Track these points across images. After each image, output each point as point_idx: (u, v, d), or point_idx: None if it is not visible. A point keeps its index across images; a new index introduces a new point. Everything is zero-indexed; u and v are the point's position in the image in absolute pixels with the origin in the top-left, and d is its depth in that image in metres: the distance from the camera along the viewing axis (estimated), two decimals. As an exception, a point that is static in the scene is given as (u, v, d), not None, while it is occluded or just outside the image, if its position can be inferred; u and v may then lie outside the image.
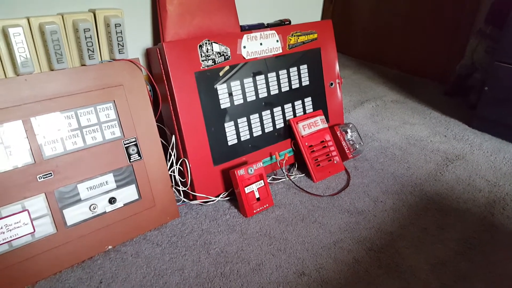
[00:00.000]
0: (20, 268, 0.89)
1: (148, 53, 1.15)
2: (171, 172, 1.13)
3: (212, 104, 1.16)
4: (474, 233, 1.09)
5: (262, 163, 1.19)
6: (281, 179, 1.32)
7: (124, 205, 1.02)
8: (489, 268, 0.97)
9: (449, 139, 1.62)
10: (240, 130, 1.23)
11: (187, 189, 1.16)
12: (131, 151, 1.02)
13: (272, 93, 1.30)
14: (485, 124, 1.67)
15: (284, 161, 1.30)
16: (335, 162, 1.37)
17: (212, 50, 1.14)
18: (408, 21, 2.40)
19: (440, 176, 1.36)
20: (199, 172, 1.15)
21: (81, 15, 0.94)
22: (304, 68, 1.37)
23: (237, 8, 1.26)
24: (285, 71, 1.32)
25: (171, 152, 1.14)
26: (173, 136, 1.14)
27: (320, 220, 1.12)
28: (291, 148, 1.37)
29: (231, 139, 1.21)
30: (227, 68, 1.18)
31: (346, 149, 1.40)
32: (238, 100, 1.21)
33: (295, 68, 1.34)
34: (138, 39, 1.16)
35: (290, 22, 1.40)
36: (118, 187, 1.01)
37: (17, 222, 0.87)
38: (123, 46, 1.00)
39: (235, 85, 1.20)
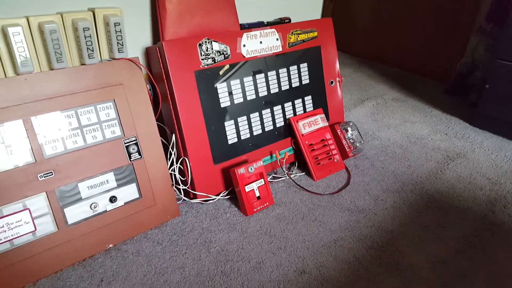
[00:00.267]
0: (21, 267, 0.89)
1: (147, 52, 1.15)
2: (172, 171, 1.13)
3: (212, 103, 1.16)
4: (475, 232, 1.09)
5: (262, 161, 1.19)
6: (281, 177, 1.32)
7: (125, 203, 1.03)
8: (490, 267, 0.97)
9: (450, 137, 1.62)
10: (240, 128, 1.23)
11: (187, 187, 1.16)
12: (131, 150, 1.02)
13: (272, 91, 1.30)
14: (486, 122, 1.67)
15: (284, 160, 1.30)
16: (335, 160, 1.37)
17: (212, 49, 1.14)
18: (408, 19, 2.39)
19: (441, 174, 1.35)
20: (199, 171, 1.15)
21: (81, 14, 0.94)
22: (304, 67, 1.37)
23: (237, 7, 1.26)
24: (285, 69, 1.32)
25: (171, 151, 1.14)
26: (173, 135, 1.14)
27: (320, 219, 1.12)
28: (291, 147, 1.37)
29: (231, 138, 1.21)
30: (227, 66, 1.18)
31: (346, 148, 1.40)
32: (238, 98, 1.21)
33: (295, 67, 1.34)
34: (137, 38, 1.16)
35: (290, 20, 1.40)
36: (119, 186, 1.01)
37: (18, 221, 0.88)
38: (122, 45, 1.00)
39: (235, 83, 1.20)
